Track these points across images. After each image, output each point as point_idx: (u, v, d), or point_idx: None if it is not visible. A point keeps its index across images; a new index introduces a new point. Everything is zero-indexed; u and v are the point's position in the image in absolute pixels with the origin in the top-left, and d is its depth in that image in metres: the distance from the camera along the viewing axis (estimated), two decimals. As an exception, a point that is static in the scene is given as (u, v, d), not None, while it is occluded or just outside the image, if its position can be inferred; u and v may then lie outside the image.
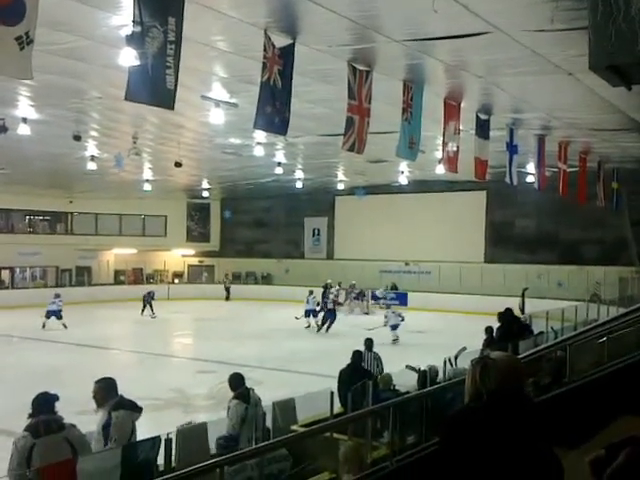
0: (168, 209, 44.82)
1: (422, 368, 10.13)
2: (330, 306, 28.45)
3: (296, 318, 28.57)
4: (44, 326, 27.28)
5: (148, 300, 33.64)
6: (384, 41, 10.61)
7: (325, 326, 27.49)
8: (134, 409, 6.64)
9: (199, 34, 10.19)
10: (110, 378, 6.79)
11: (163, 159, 25.52)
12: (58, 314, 27.78)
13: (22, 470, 5.58)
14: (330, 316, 27.74)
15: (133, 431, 6.50)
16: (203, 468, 5.16)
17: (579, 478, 4.53)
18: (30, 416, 6.01)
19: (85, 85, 14.74)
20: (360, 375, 10.26)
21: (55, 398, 6.17)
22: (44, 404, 6.07)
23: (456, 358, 11.39)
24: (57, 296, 28.85)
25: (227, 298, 41.05)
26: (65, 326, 27.12)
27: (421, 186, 35.10)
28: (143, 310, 33.28)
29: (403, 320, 25.22)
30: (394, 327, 24.74)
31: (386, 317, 25.82)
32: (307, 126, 18.17)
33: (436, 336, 25.08)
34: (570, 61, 11.25)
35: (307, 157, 26.50)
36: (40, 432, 5.80)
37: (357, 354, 11.38)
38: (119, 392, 6.72)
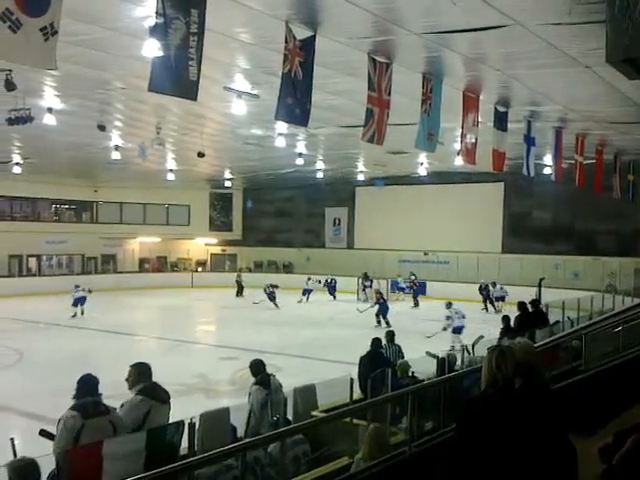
0: (191, 199, 45.12)
1: (440, 356, 10.23)
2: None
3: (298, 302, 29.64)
4: (75, 315, 27.99)
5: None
6: (404, 33, 10.69)
7: (383, 320, 26.33)
8: (156, 398, 6.64)
9: (221, 26, 10.30)
10: (144, 363, 6.84)
11: (186, 149, 25.70)
12: (84, 301, 28.70)
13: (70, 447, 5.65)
14: (384, 308, 26.73)
15: (146, 419, 6.44)
16: (226, 452, 5.32)
17: (592, 465, 4.64)
18: (75, 397, 6.06)
19: (109, 76, 14.92)
20: (380, 362, 10.39)
21: (97, 381, 6.26)
22: (90, 385, 6.15)
23: (473, 346, 11.47)
24: (77, 287, 29.55)
25: (238, 294, 38.27)
26: (82, 312, 28.27)
27: (440, 177, 35.17)
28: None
29: (464, 317, 21.56)
30: (458, 330, 20.81)
31: (449, 318, 21.66)
32: (328, 117, 18.27)
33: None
34: (587, 54, 11.28)
35: (328, 148, 26.58)
36: (90, 413, 5.87)
37: (376, 341, 11.51)
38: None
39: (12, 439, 5.68)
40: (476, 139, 14.65)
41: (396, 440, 7.22)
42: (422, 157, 28.22)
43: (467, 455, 4.06)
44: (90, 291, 29.63)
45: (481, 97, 14.59)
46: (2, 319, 26.78)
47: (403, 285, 36.18)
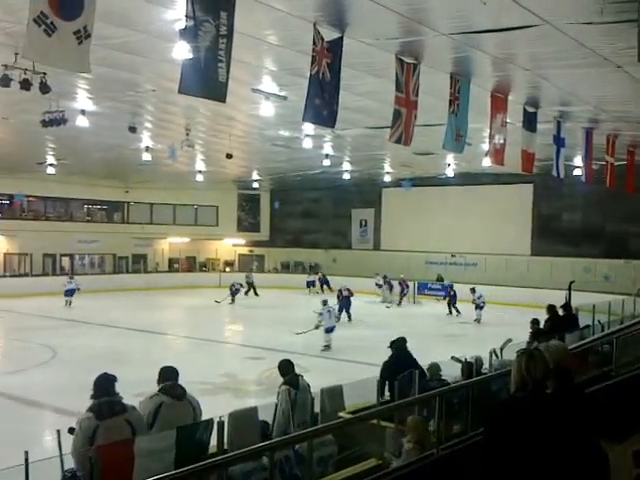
0: (219, 200, 45.44)
1: (467, 359, 10.18)
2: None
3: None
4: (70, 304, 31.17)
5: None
6: (432, 34, 10.68)
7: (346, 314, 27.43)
8: (169, 394, 6.63)
9: (250, 28, 10.37)
10: (169, 367, 6.93)
11: (215, 150, 25.89)
12: (73, 293, 32.00)
13: (85, 449, 5.70)
14: (346, 304, 27.71)
15: (157, 413, 6.44)
16: (255, 450, 5.35)
17: (624, 471, 4.60)
18: (92, 397, 6.10)
19: (140, 78, 15.10)
20: (405, 364, 10.35)
21: (115, 379, 6.34)
22: (106, 385, 6.17)
23: (502, 350, 11.38)
24: (70, 280, 32.71)
25: (247, 293, 38.29)
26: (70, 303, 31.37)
27: (468, 178, 34.97)
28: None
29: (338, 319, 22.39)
30: (330, 330, 20.95)
31: (321, 315, 21.35)
32: (355, 118, 18.29)
33: (481, 328, 25.04)
34: (619, 54, 11.18)
35: (354, 149, 26.58)
36: (104, 414, 5.91)
37: (401, 342, 11.34)
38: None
39: (58, 431, 5.78)
40: (504, 140, 14.57)
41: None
42: (449, 158, 28.14)
43: (495, 459, 4.05)
44: (79, 288, 32.53)
45: (510, 97, 14.52)
46: (37, 317, 27.23)
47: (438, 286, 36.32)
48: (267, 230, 48.54)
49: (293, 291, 39.39)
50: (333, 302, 27.64)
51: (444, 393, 7.27)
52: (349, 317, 27.34)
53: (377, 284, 36.74)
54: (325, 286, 39.91)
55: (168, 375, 6.85)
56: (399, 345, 11.07)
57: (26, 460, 5.11)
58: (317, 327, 20.99)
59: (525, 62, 12.47)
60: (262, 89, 15.41)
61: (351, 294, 28.17)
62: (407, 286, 35.17)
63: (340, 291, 28.62)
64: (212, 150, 26.14)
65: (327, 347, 20.55)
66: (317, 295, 36.25)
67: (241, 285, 36.38)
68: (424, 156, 26.25)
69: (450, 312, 30.71)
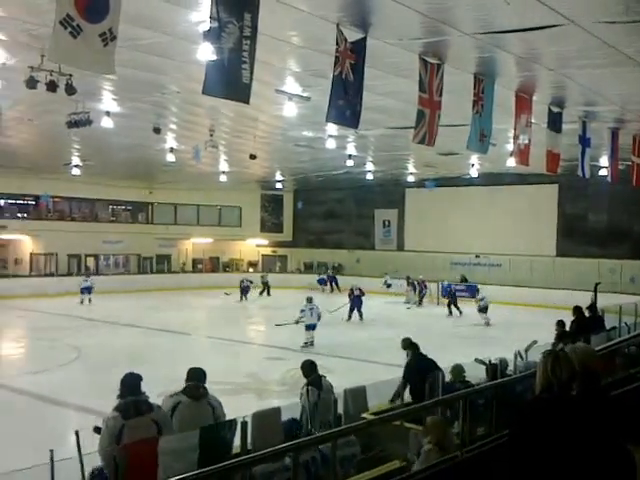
0: (243, 200, 45.63)
1: (492, 361, 10.12)
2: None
3: None
4: (89, 302, 32.39)
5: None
6: (455, 34, 10.64)
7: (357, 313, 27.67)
8: (187, 394, 6.72)
9: (273, 29, 10.39)
10: (196, 368, 6.98)
11: (238, 151, 25.96)
12: (90, 290, 33.02)
13: (111, 448, 5.78)
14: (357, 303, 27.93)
15: (173, 411, 6.51)
16: (278, 450, 5.35)
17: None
18: (119, 396, 6.18)
19: (165, 79, 15.18)
20: (426, 365, 10.30)
21: (140, 378, 6.39)
22: (132, 385, 6.25)
23: (526, 351, 11.30)
24: (86, 279, 33.87)
25: (262, 293, 38.78)
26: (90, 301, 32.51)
27: (492, 179, 34.77)
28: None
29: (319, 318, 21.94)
30: (312, 327, 21.36)
31: (302, 311, 21.54)
32: (378, 119, 18.26)
33: (506, 329, 24.89)
34: (644, 53, 11.08)
35: (378, 149, 26.55)
36: (130, 413, 5.98)
37: (414, 345, 11.24)
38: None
39: (77, 432, 5.83)
40: (529, 140, 14.48)
41: (447, 444, 7.18)
42: (473, 158, 28.00)
43: (521, 461, 4.02)
44: (93, 287, 33.38)
45: (534, 97, 14.43)
46: (62, 316, 27.48)
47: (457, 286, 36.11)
48: (290, 231, 48.62)
49: (316, 291, 39.42)
50: (343, 301, 27.86)
51: (469, 395, 7.23)
52: (360, 316, 27.49)
53: (386, 284, 37.37)
54: (334, 285, 41.10)
55: (192, 376, 6.91)
56: (416, 347, 11.02)
57: (51, 459, 5.17)
58: (297, 322, 21.40)
59: (549, 62, 12.38)
60: (285, 90, 15.44)
61: (362, 293, 28.24)
62: (426, 287, 35.03)
63: (351, 290, 28.65)
64: (236, 151, 26.22)
65: (307, 344, 20.80)
66: (330, 294, 37.88)
67: (250, 282, 36.95)
68: (448, 156, 26.15)
69: (450, 313, 30.63)
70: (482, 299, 27.43)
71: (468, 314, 30.33)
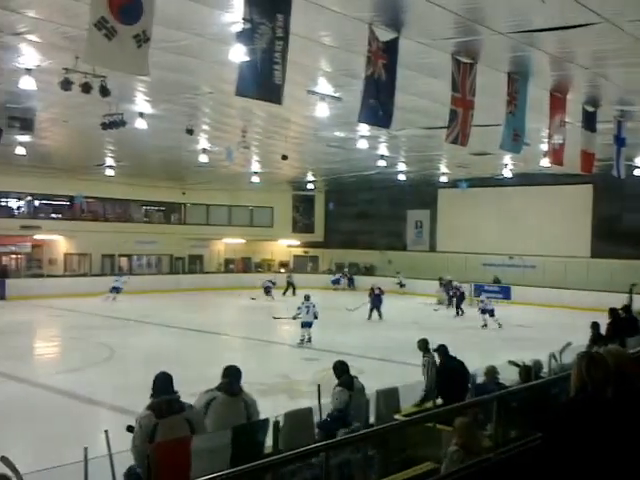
0: (275, 201, 45.74)
1: (526, 363, 10.03)
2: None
3: None
4: (112, 299, 33.25)
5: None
6: (489, 33, 10.58)
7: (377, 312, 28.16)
8: (222, 390, 6.74)
9: (305, 30, 10.40)
10: (231, 366, 6.99)
11: (270, 152, 26.07)
12: (119, 290, 34.01)
13: (145, 447, 5.80)
14: (377, 302, 28.36)
15: (207, 407, 6.53)
16: (310, 451, 5.35)
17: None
18: (152, 395, 6.19)
19: (197, 81, 15.30)
20: (455, 367, 10.24)
21: (172, 378, 6.39)
22: (164, 384, 6.25)
23: (561, 353, 11.19)
24: (117, 278, 35.00)
25: (285, 292, 39.05)
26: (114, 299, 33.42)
27: (525, 179, 34.42)
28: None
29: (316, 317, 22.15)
30: (308, 325, 21.73)
31: (299, 309, 22.13)
32: (410, 119, 18.21)
33: (540, 331, 24.66)
34: (679, 52, 10.92)
35: (410, 150, 26.48)
36: (163, 412, 5.98)
37: (443, 348, 11.17)
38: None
39: (106, 431, 5.87)
40: (563, 140, 14.35)
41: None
42: (507, 158, 27.79)
43: (554, 462, 3.98)
44: (122, 288, 34.27)
45: (569, 97, 14.28)
46: (95, 316, 27.78)
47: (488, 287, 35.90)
48: (322, 231, 48.64)
49: (347, 292, 39.49)
50: (362, 300, 27.89)
51: (502, 396, 7.18)
52: (380, 315, 27.77)
53: (400, 283, 38.70)
54: (350, 285, 42.28)
55: (227, 373, 6.93)
56: (444, 350, 10.96)
57: (85, 457, 5.21)
58: (294, 318, 22.03)
59: (584, 61, 12.26)
60: (317, 90, 15.46)
61: (382, 292, 28.57)
62: (459, 291, 34.84)
63: (372, 289, 28.91)
64: (267, 151, 26.33)
65: (302, 342, 21.37)
66: (343, 293, 39.29)
67: (271, 282, 37.77)
68: (481, 156, 25.98)
69: (458, 313, 30.66)
70: (482, 301, 27.32)
71: (500, 316, 30.11)
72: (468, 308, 33.52)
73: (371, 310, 27.84)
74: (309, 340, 21.41)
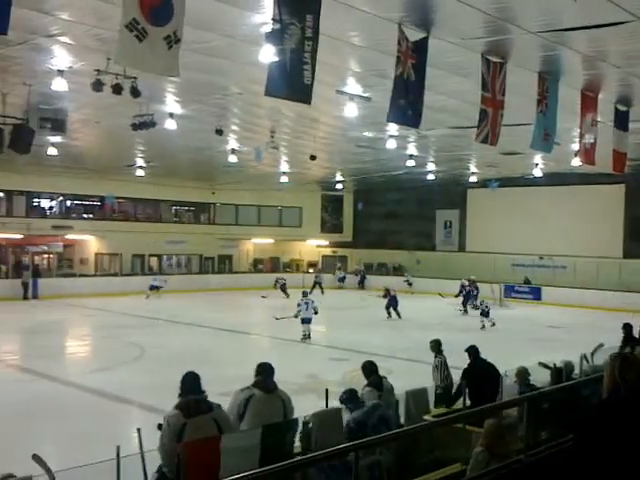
0: (303, 201, 45.88)
1: (556, 364, 9.94)
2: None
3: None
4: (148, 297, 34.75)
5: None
6: (519, 32, 10.52)
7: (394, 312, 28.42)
8: (259, 387, 6.76)
9: (334, 30, 10.41)
10: (265, 363, 7.07)
11: (299, 152, 26.10)
12: (157, 289, 35.34)
13: (172, 446, 5.81)
14: (393, 302, 28.57)
15: (247, 405, 6.56)
16: (340, 451, 5.35)
17: None
18: (180, 395, 6.21)
19: (227, 81, 15.37)
20: (485, 369, 10.17)
21: (200, 377, 6.39)
22: (192, 383, 6.28)
23: (593, 354, 11.07)
24: (155, 277, 36.50)
25: (311, 291, 39.48)
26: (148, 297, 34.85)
27: (556, 179, 34.07)
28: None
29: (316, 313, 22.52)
30: (307, 321, 22.13)
31: (299, 305, 22.37)
32: (439, 118, 18.14)
33: (571, 332, 24.43)
34: None
35: (439, 149, 26.40)
36: (191, 412, 5.98)
37: (473, 349, 11.09)
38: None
39: (139, 430, 5.91)
40: (595, 139, 14.21)
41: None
42: (537, 158, 27.58)
43: (586, 464, 3.95)
44: (161, 287, 35.52)
45: (600, 96, 14.15)
46: (126, 316, 28.04)
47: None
48: (350, 231, 48.62)
49: (376, 292, 39.40)
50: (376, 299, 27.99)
51: (533, 398, 7.13)
52: (398, 315, 28.06)
53: (408, 282, 39.28)
54: (360, 284, 43.10)
55: (261, 370, 6.98)
56: (475, 352, 10.88)
57: (117, 455, 5.25)
58: (296, 316, 22.38)
59: (616, 59, 12.14)
60: (346, 90, 15.46)
61: (395, 292, 29.09)
62: (476, 288, 34.64)
63: (387, 290, 29.37)
64: (296, 152, 26.36)
65: (305, 336, 22.03)
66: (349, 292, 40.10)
67: (284, 280, 38.57)
68: (511, 156, 25.82)
69: (466, 311, 30.64)
70: (482, 302, 27.13)
71: (530, 317, 29.93)
72: (497, 309, 33.39)
73: (388, 309, 28.25)
74: (309, 336, 22.04)
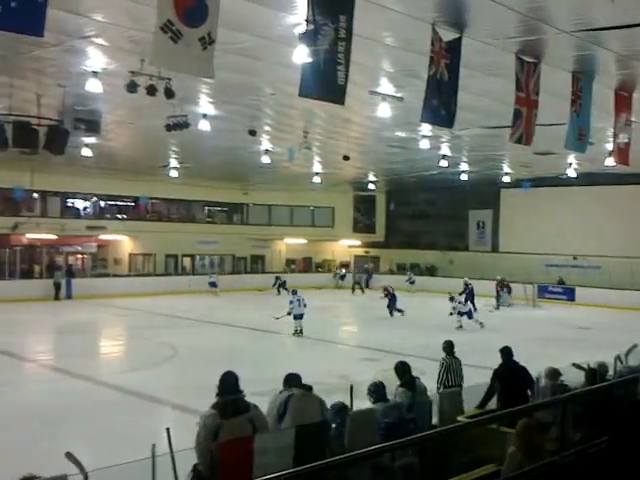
0: (335, 201, 45.88)
1: (590, 365, 9.86)
2: None
3: None
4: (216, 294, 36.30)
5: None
6: (553, 32, 10.45)
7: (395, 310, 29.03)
8: (296, 386, 6.94)
9: (367, 30, 10.41)
10: (293, 374, 7.16)
11: (331, 152, 26.13)
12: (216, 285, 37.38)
13: (207, 445, 5.84)
14: (393, 301, 29.39)
15: (287, 409, 6.65)
16: (374, 452, 5.35)
17: None
18: (218, 394, 6.21)
19: (260, 82, 15.45)
20: (515, 371, 10.11)
21: (237, 378, 6.39)
22: (230, 383, 6.29)
23: (627, 355, 10.95)
24: (212, 274, 38.72)
25: (354, 290, 40.66)
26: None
27: (590, 179, 33.73)
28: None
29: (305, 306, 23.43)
30: (299, 317, 23.14)
31: (291, 302, 23.39)
32: (473, 118, 18.06)
33: (604, 333, 24.17)
34: None
35: (472, 149, 26.28)
36: (228, 412, 6.02)
37: (507, 350, 11.02)
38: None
39: (168, 429, 5.96)
40: (629, 139, 14.07)
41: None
42: (571, 158, 27.33)
43: (621, 465, 3.93)
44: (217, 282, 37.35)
45: (635, 95, 13.97)
46: (159, 315, 28.29)
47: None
48: (382, 231, 48.51)
49: (408, 293, 39.35)
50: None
51: (567, 399, 7.07)
52: (399, 311, 28.68)
53: (410, 281, 39.35)
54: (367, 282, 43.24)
55: (290, 378, 7.10)
56: (508, 352, 10.81)
57: (153, 454, 5.29)
58: (289, 314, 23.22)
59: (651, 59, 11.99)
60: (379, 91, 15.45)
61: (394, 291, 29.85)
62: (507, 287, 34.34)
63: (386, 290, 30.09)
64: (329, 152, 26.40)
65: (296, 332, 22.93)
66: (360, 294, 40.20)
67: (284, 279, 39.44)
68: (545, 156, 25.61)
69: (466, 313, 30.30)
70: (460, 302, 26.34)
71: (563, 318, 29.65)
72: (530, 310, 33.15)
73: (389, 307, 28.79)
74: (301, 332, 22.91)
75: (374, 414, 7.28)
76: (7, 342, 20.49)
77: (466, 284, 32.41)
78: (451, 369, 11.19)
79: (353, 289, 40.15)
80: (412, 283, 39.77)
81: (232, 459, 5.70)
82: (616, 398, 7.85)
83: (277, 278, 39.82)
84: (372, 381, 8.02)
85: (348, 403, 8.75)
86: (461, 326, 24.97)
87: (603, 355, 10.64)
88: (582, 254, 36.74)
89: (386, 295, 29.76)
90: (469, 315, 25.58)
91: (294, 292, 24.21)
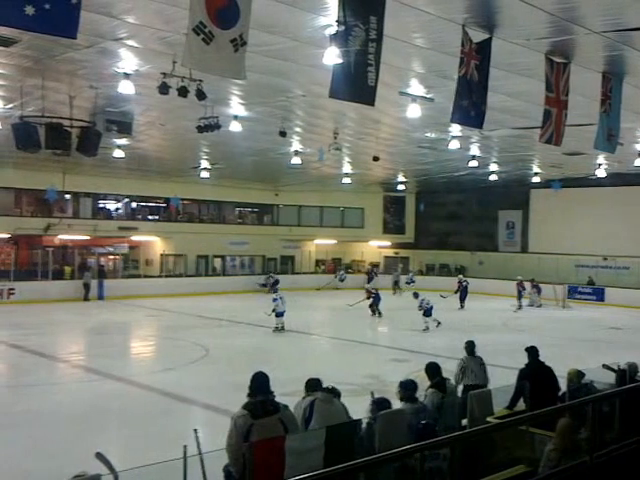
0: (365, 202, 45.83)
1: (621, 366, 9.79)
2: None
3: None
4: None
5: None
6: (583, 33, 10.41)
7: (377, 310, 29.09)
8: (320, 390, 6.99)
9: (398, 31, 10.47)
10: (314, 378, 7.28)
11: (361, 153, 26.17)
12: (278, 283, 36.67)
13: (239, 446, 5.87)
14: (377, 300, 29.32)
15: (312, 412, 6.69)
16: (404, 452, 5.38)
17: None
18: (249, 395, 6.26)
19: (291, 84, 15.54)
20: (541, 372, 10.06)
21: (268, 379, 6.44)
22: (261, 384, 6.34)
23: (657, 356, 10.85)
24: (269, 276, 39.31)
25: (395, 292, 40.59)
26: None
27: (620, 179, 33.52)
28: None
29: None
30: (280, 314, 23.87)
31: (275, 300, 24.06)
32: (502, 119, 18.01)
33: (634, 333, 23.93)
34: None
35: (501, 150, 26.19)
36: (259, 413, 6.06)
37: (533, 350, 10.95)
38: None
39: (195, 430, 6.01)
40: (659, 139, 13.93)
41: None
42: (601, 158, 27.10)
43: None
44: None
45: (665, 95, 13.86)
46: (190, 316, 28.45)
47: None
48: (412, 232, 48.40)
49: (436, 293, 39.18)
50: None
51: (597, 400, 7.06)
52: (379, 313, 28.75)
53: (410, 280, 39.45)
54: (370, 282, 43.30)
55: (312, 383, 7.20)
56: (534, 352, 10.74)
57: (184, 454, 5.35)
58: (273, 311, 23.87)
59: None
60: (409, 92, 15.47)
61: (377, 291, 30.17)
62: (524, 288, 34.05)
63: (368, 291, 30.90)
64: (359, 153, 26.45)
65: (278, 329, 23.55)
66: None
67: (277, 277, 39.39)
68: (574, 156, 25.43)
69: (462, 306, 31.26)
70: (422, 302, 25.04)
71: (593, 318, 29.38)
72: (560, 310, 32.85)
73: (374, 306, 28.90)
74: (283, 328, 23.61)
75: (403, 414, 7.28)
76: (40, 343, 20.80)
77: (460, 281, 32.76)
78: (468, 369, 11.12)
79: (394, 290, 40.23)
80: (408, 283, 39.50)
81: (264, 459, 5.73)
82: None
83: (269, 277, 39.82)
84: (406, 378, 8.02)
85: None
86: (428, 327, 24.49)
87: (634, 356, 10.56)
88: (612, 255, 36.45)
89: (368, 297, 30.12)
90: (428, 313, 24.75)
91: (275, 290, 25.49)
